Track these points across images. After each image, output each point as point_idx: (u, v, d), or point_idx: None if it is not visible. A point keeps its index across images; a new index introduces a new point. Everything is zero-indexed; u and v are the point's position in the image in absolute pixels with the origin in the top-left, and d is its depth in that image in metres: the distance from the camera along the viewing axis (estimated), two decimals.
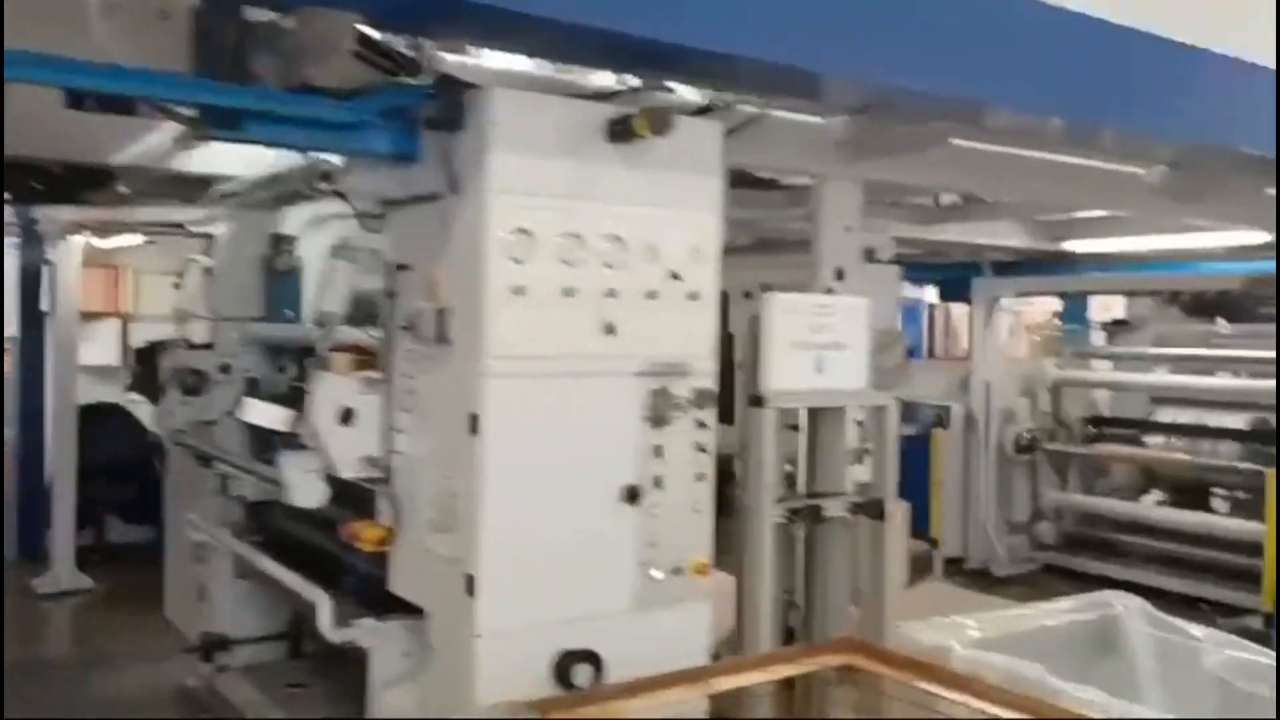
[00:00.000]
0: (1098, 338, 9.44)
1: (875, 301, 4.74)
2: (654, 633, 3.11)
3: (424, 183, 3.07)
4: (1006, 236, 8.17)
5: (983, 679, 2.44)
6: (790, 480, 3.98)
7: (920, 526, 8.25)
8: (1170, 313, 8.92)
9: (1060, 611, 3.16)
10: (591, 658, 2.94)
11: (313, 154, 3.53)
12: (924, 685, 2.44)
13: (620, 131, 2.97)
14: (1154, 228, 7.52)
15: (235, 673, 4.54)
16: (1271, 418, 6.84)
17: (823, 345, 3.84)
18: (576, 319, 2.99)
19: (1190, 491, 7.93)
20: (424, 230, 3.10)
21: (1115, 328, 9.10)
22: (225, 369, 4.94)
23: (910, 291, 13.78)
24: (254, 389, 4.83)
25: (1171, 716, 2.76)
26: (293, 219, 4.88)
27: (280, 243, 4.92)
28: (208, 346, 5.10)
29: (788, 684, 2.64)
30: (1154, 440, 7.89)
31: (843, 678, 2.60)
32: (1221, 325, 8.69)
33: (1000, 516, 8.08)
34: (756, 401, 3.61)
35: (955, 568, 8.03)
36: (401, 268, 3.21)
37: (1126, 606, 3.16)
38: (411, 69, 3.08)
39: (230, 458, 4.52)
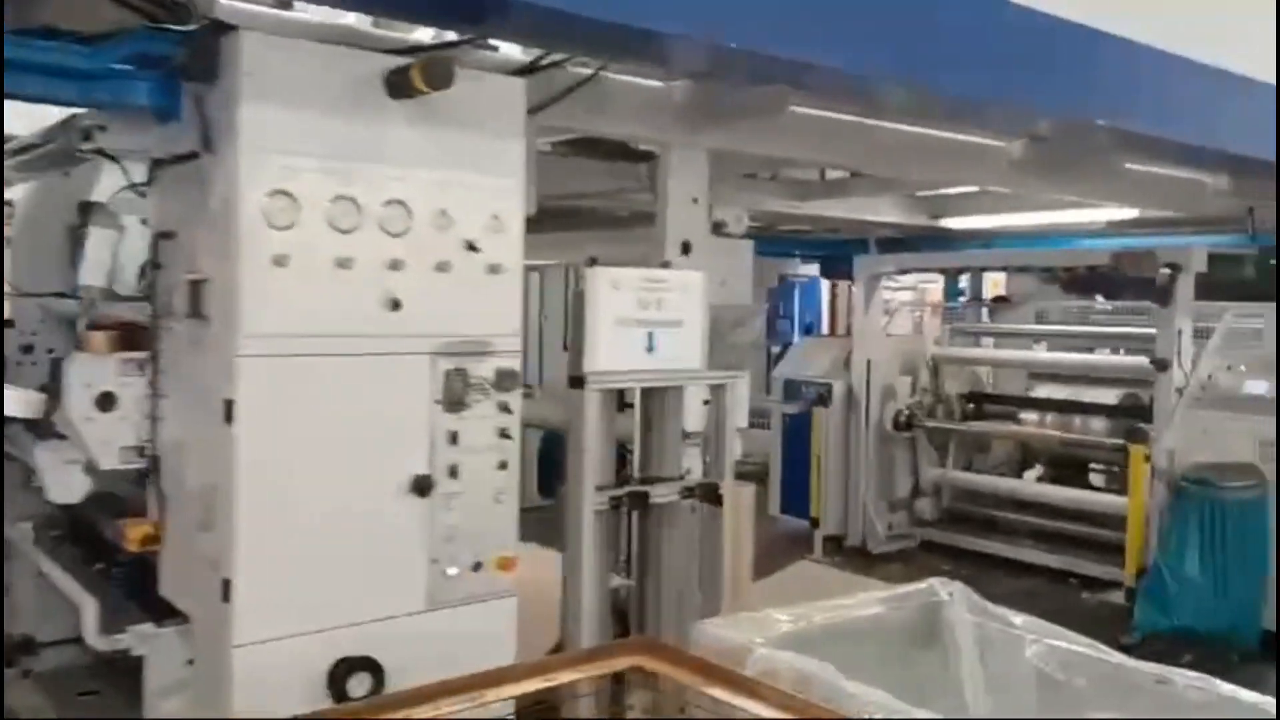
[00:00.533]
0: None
1: (727, 277, 4.55)
2: (452, 635, 2.87)
3: (185, 140, 2.74)
4: (886, 213, 8.11)
5: (769, 683, 2.26)
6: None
7: (801, 505, 8.22)
8: (1050, 290, 8.99)
9: (883, 601, 3.02)
10: (370, 665, 2.68)
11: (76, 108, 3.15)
12: (708, 689, 2.25)
13: (398, 85, 2.68)
14: (1029, 204, 7.53)
15: (30, 678, 4.17)
16: (1141, 393, 6.90)
17: (655, 322, 3.63)
18: (354, 293, 2.71)
19: (1069, 467, 8.01)
20: (186, 193, 2.78)
21: (997, 304, 9.13)
22: (28, 349, 4.52)
23: (808, 269, 13.77)
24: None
25: (970, 717, 2.63)
26: (106, 183, 4.46)
27: (89, 210, 4.50)
28: (9, 324, 4.66)
29: (571, 688, 2.43)
30: (1030, 416, 7.92)
31: (628, 681, 2.40)
32: (1099, 302, 8.80)
33: (880, 494, 8.05)
34: (577, 382, 3.38)
35: (835, 545, 7.98)
36: (164, 235, 2.88)
37: (950, 594, 3.04)
38: (181, 14, 2.75)
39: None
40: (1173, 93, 4.77)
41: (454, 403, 2.86)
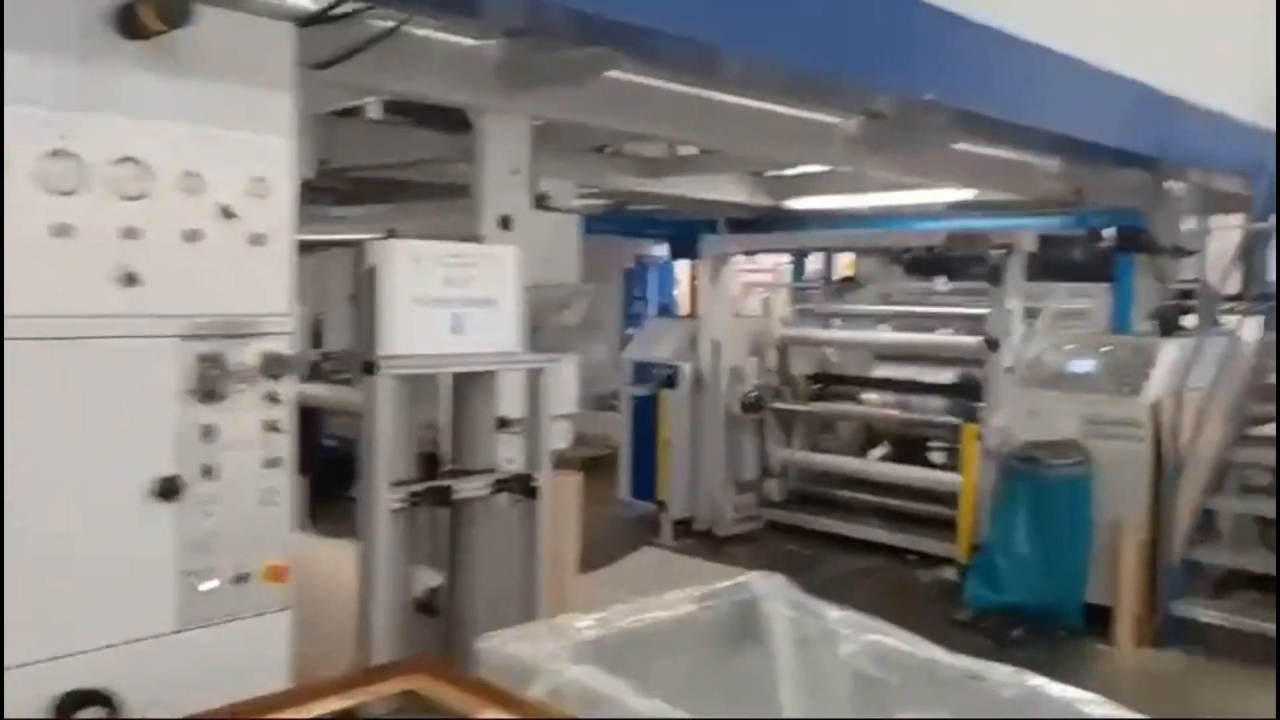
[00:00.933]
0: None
1: (552, 254, 4.28)
2: (211, 658, 2.52)
3: None
4: (733, 193, 8.00)
5: (554, 705, 2.03)
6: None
7: (650, 489, 8.07)
8: (895, 271, 9.09)
9: (696, 599, 2.83)
10: (102, 698, 2.31)
11: None
12: (484, 715, 1.99)
13: (128, 23, 2.29)
14: (872, 185, 7.53)
15: None
16: (977, 373, 7.01)
17: (462, 301, 3.32)
18: (77, 267, 2.31)
19: (911, 445, 8.11)
20: None
21: (844, 285, 9.18)
22: None
23: (663, 250, 13.63)
24: None
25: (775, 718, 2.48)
26: None
27: None
28: None
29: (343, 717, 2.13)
30: (872, 396, 7.98)
31: (399, 708, 2.12)
32: (940, 283, 8.94)
33: (728, 476, 7.97)
34: (368, 368, 3.04)
35: (684, 529, 7.87)
36: None
37: (768, 589, 2.89)
38: None
39: None
40: (1004, 72, 4.76)
41: (208, 393, 2.50)
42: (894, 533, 7.41)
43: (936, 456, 8.02)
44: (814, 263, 10.16)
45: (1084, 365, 6.05)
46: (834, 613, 2.77)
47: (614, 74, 4.18)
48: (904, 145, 5.22)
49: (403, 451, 3.23)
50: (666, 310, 13.04)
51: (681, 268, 13.50)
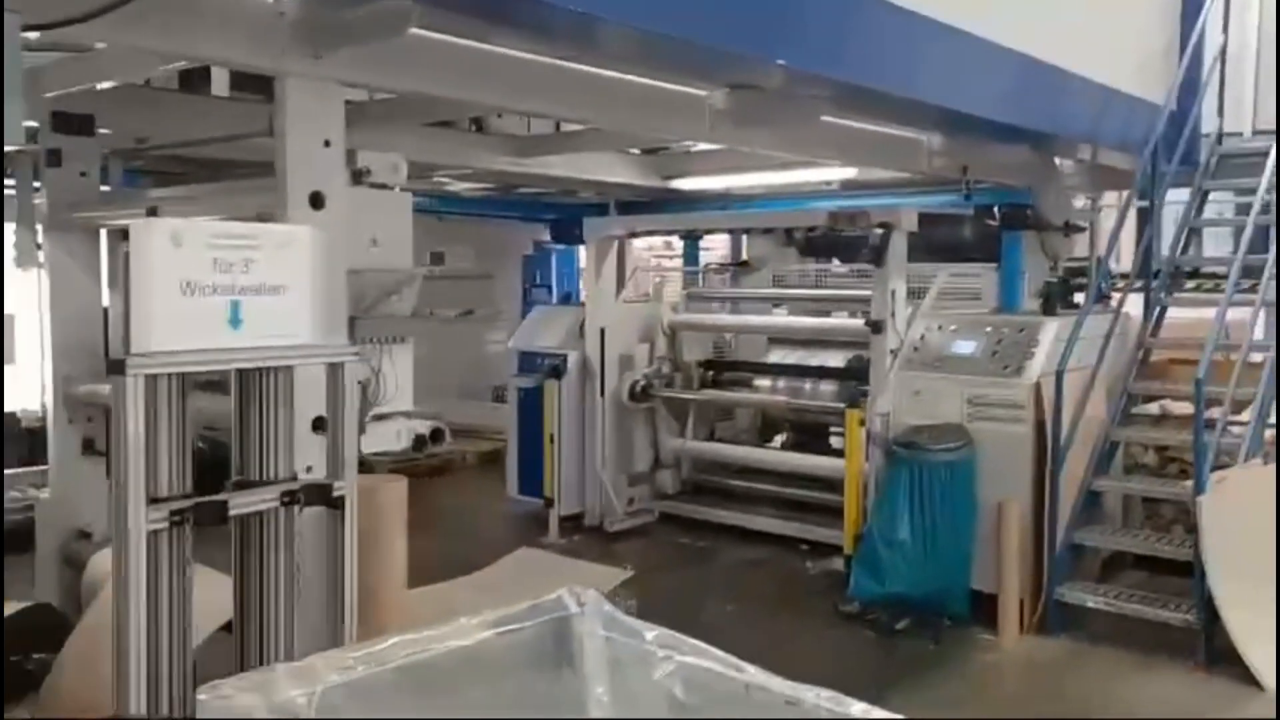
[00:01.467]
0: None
1: (380, 236, 3.90)
2: None
3: None
4: (619, 173, 7.67)
5: None
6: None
7: (538, 485, 7.72)
8: (788, 253, 8.86)
9: (498, 622, 2.51)
10: None
11: None
12: None
13: None
14: (760, 165, 7.28)
15: None
16: (867, 355, 6.81)
17: (242, 289, 2.93)
18: None
19: (810, 432, 7.90)
20: None
21: (739, 269, 8.93)
22: None
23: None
24: None
25: None
26: None
27: None
28: None
29: None
30: (764, 382, 7.73)
31: None
32: (835, 265, 8.75)
33: (619, 468, 7.67)
34: (113, 367, 2.63)
35: (573, 525, 7.54)
36: None
37: (582, 606, 2.57)
38: None
39: None
40: (872, 40, 4.50)
41: None
42: (787, 522, 7.19)
43: (838, 442, 7.83)
44: (722, 247, 9.90)
45: (967, 346, 5.87)
46: (651, 633, 2.46)
47: (445, 37, 3.83)
48: (773, 118, 4.93)
49: (176, 461, 2.83)
50: (569, 298, 12.68)
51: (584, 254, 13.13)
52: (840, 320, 7.15)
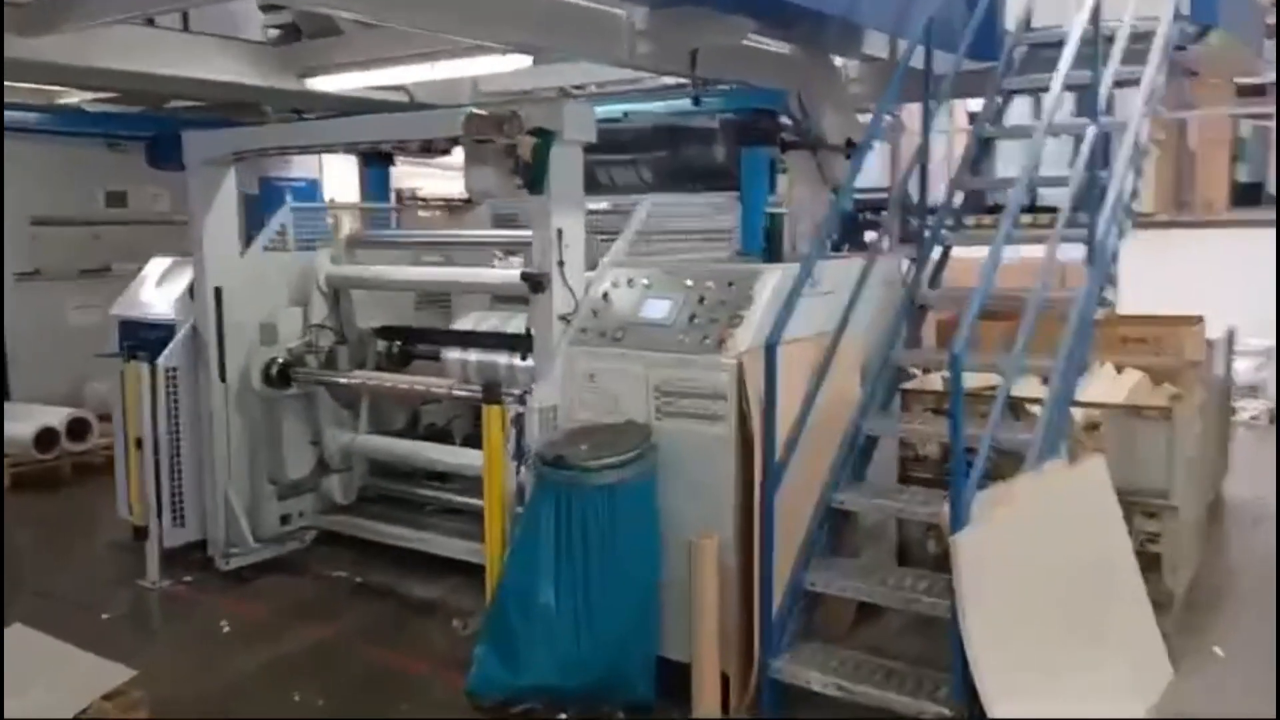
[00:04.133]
0: None
1: None
2: None
3: None
4: (229, 69, 5.56)
5: None
6: None
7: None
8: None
9: None
10: None
11: None
12: None
13: None
14: (430, 54, 5.28)
15: None
16: None
17: None
18: None
19: None
20: None
21: (455, 207, 6.94)
22: None
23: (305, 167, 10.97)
24: None
25: None
26: None
27: None
28: None
29: None
30: (453, 355, 5.76)
31: None
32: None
33: (262, 477, 5.67)
34: None
35: (187, 558, 5.52)
36: None
37: None
38: None
39: None
40: None
41: None
42: (472, 541, 5.33)
43: None
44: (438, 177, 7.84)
45: (659, 309, 4.06)
46: None
47: None
48: None
49: None
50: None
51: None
52: (497, 271, 5.24)
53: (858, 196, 6.51)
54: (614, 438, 3.78)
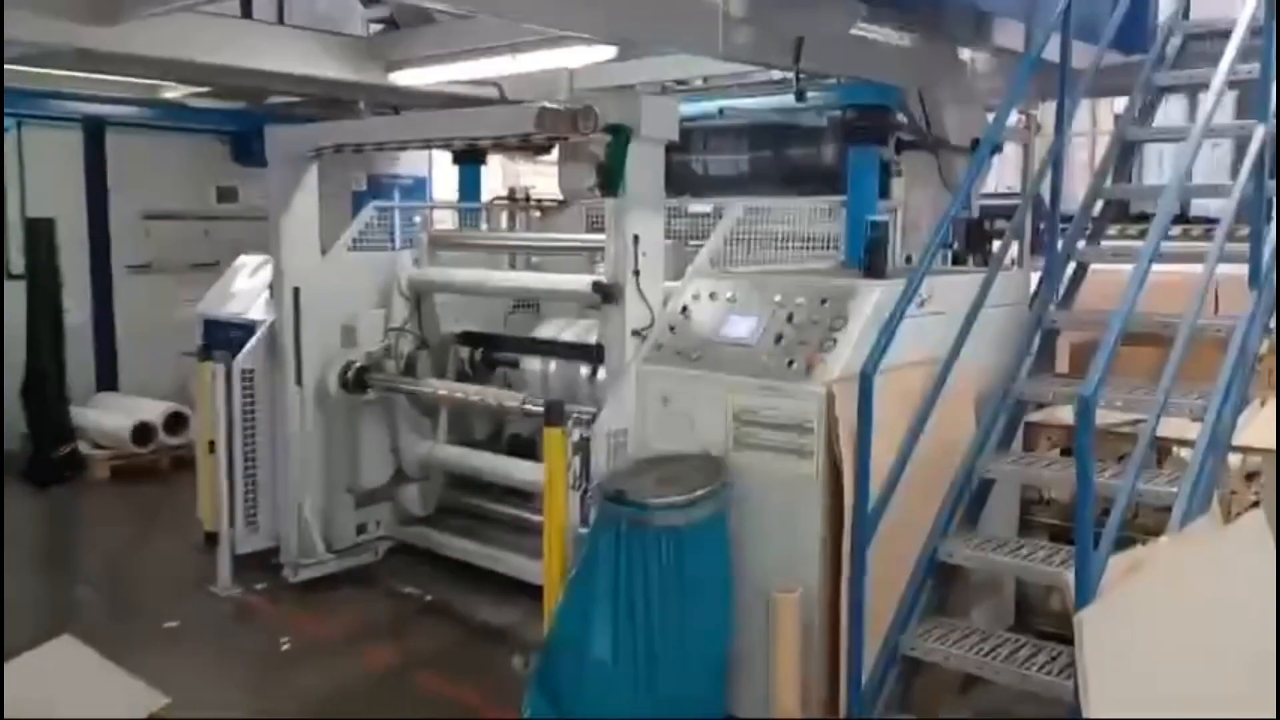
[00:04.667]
0: None
1: None
2: None
3: None
4: (316, 64, 5.39)
5: None
6: None
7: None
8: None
9: None
10: None
11: None
12: None
13: None
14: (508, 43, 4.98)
15: None
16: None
17: None
18: None
19: None
20: None
21: (545, 208, 6.65)
22: None
23: (414, 164, 10.95)
24: None
25: None
26: None
27: None
28: None
29: None
30: (534, 366, 5.46)
31: None
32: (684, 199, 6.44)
33: (339, 485, 5.49)
34: None
35: (264, 562, 5.38)
36: None
37: None
38: None
39: None
40: None
41: None
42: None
43: None
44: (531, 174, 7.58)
45: (742, 326, 3.62)
46: None
47: None
48: None
49: None
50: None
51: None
52: (567, 277, 4.86)
53: (986, 203, 5.92)
54: (685, 471, 3.37)
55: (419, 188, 10.87)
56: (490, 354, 5.70)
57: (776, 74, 5.08)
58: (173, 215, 8.46)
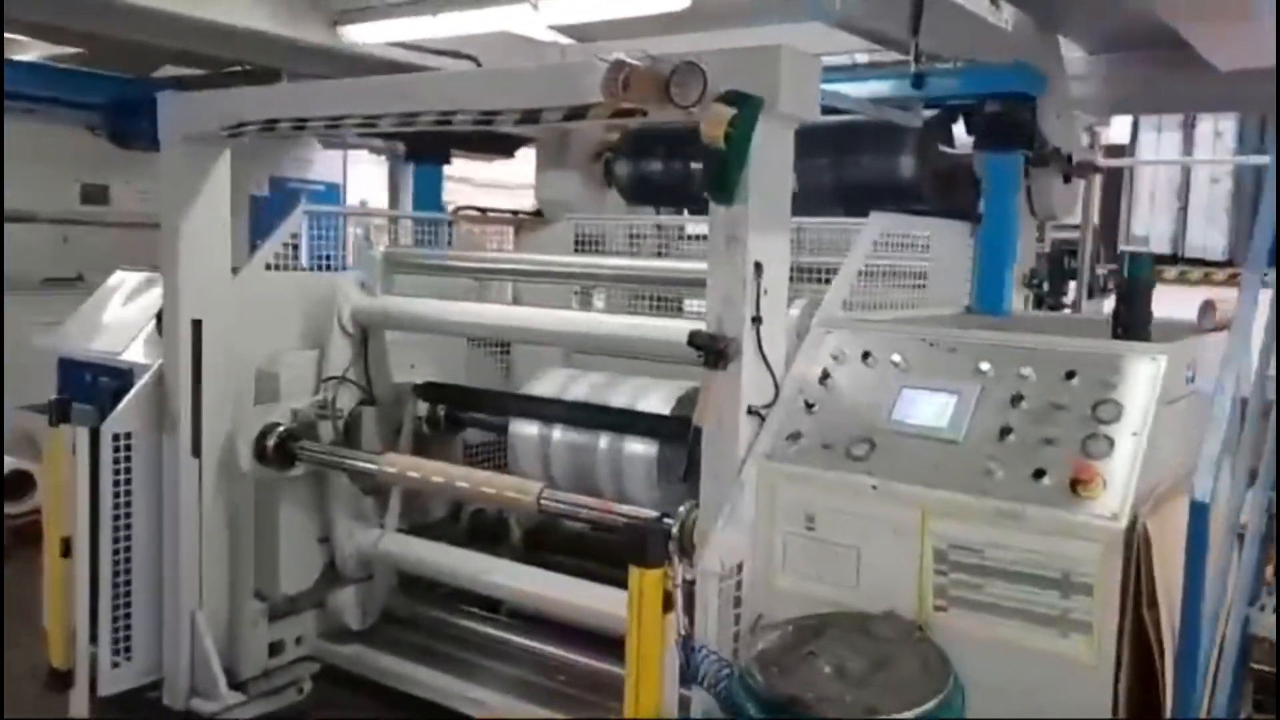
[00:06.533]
0: None
1: None
2: None
3: None
4: (245, 14, 3.91)
5: None
6: None
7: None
8: (612, 196, 5.25)
9: None
10: None
11: None
12: None
13: None
14: None
15: None
16: None
17: None
18: None
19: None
20: None
21: (530, 219, 5.26)
22: None
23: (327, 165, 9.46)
24: None
25: None
26: None
27: None
28: None
29: None
30: (529, 431, 4.06)
31: None
32: (686, 218, 5.14)
33: (246, 593, 3.98)
34: None
35: (136, 705, 3.81)
36: None
37: None
38: None
39: None
40: None
41: None
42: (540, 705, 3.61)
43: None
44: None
45: (935, 405, 2.35)
46: None
47: None
48: None
49: None
50: (327, 267, 8.75)
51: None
52: (657, 321, 3.47)
53: (1059, 235, 4.86)
54: (881, 653, 2.06)
55: (330, 195, 9.29)
56: (463, 413, 4.28)
57: (862, 56, 3.87)
58: (20, 217, 6.71)
